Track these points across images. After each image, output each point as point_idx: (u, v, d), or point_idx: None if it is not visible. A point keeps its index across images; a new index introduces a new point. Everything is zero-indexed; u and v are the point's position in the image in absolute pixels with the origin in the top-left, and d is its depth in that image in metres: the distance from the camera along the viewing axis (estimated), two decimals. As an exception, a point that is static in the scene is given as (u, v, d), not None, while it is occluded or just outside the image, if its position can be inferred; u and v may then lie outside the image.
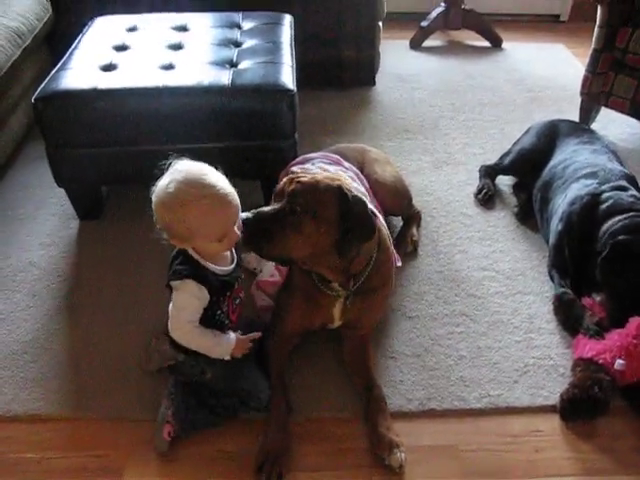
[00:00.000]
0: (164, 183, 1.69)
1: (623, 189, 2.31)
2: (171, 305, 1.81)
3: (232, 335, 1.85)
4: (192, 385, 1.89)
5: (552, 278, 2.36)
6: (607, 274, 2.11)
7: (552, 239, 2.40)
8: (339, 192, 1.81)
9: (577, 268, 2.28)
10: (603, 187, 2.32)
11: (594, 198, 2.29)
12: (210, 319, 1.82)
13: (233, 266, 1.85)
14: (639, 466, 1.82)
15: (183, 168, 1.71)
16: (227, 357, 1.84)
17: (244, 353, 1.88)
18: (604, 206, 2.25)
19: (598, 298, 2.16)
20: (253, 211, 1.80)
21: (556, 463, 1.82)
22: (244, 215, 1.78)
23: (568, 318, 2.19)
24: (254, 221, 1.78)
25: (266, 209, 1.82)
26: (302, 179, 1.82)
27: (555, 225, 2.39)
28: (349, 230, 1.80)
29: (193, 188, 1.66)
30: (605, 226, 2.19)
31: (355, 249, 1.87)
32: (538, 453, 1.85)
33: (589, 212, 2.26)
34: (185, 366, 1.87)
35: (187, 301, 1.76)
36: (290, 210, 1.79)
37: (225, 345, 1.83)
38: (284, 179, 1.87)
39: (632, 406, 1.96)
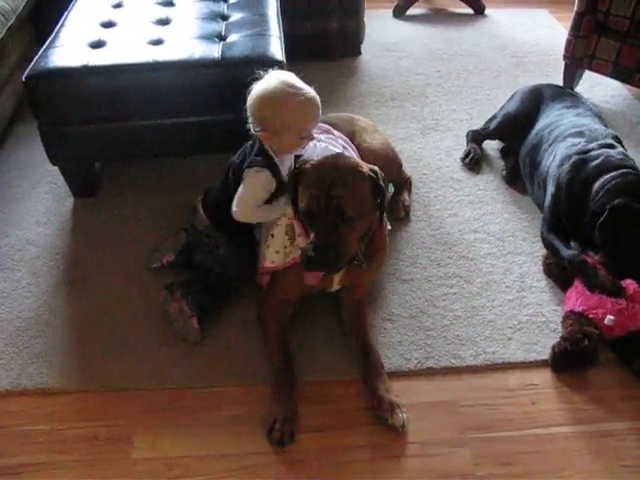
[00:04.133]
0: (264, 84, 2.01)
1: (611, 147, 2.34)
2: (240, 190, 2.04)
3: (281, 199, 2.06)
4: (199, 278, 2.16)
5: (551, 244, 2.32)
6: (606, 238, 2.13)
7: (546, 202, 2.41)
8: (370, 180, 1.94)
9: (572, 226, 2.29)
10: (591, 145, 2.34)
11: (583, 156, 2.31)
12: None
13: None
14: (627, 413, 1.90)
15: (280, 75, 2.05)
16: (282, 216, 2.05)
17: None
18: (594, 164, 2.27)
19: (597, 257, 2.16)
20: (311, 241, 1.89)
21: (551, 414, 1.90)
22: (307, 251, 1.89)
23: (587, 278, 2.11)
24: (324, 251, 1.86)
25: (322, 234, 1.87)
26: (339, 190, 1.86)
27: (549, 187, 2.40)
28: (381, 200, 1.98)
29: (291, 88, 1.99)
30: (597, 184, 2.21)
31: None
32: (534, 405, 1.92)
33: (579, 171, 2.28)
34: (203, 238, 2.21)
35: (256, 190, 2.03)
36: (342, 220, 1.88)
37: (278, 209, 2.05)
38: (313, 192, 1.89)
39: (619, 358, 2.03)
